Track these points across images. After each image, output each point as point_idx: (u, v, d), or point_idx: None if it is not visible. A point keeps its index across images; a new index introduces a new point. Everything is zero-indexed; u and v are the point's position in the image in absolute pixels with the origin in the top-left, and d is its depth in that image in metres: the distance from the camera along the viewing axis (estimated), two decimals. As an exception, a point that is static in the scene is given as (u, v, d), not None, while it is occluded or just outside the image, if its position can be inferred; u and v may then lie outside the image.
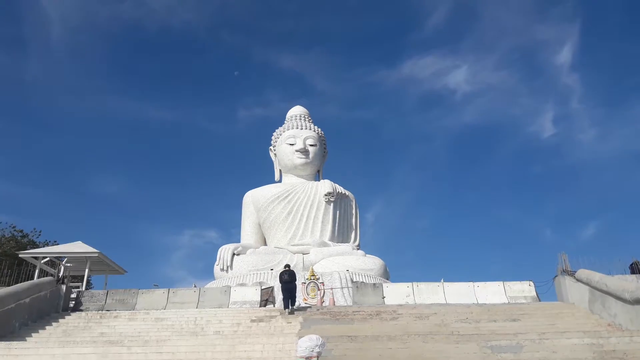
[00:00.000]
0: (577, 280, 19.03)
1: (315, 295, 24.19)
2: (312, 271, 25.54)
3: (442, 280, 29.01)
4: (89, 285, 37.34)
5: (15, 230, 36.70)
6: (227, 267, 30.01)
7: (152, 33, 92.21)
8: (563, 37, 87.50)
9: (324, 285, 24.64)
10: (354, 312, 18.66)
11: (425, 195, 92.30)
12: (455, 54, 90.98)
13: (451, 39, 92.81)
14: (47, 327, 17.48)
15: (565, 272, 19.76)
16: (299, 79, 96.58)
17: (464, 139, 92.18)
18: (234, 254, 30.51)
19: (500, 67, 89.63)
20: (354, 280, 27.55)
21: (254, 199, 34.47)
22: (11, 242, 34.27)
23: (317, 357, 13.33)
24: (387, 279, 30.68)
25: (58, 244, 28.67)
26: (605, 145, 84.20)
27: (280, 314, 18.52)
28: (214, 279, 30.63)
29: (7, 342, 14.58)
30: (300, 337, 15.18)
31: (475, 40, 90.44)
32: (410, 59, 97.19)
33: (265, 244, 33.85)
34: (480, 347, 14.32)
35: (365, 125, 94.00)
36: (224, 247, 31.27)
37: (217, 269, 30.45)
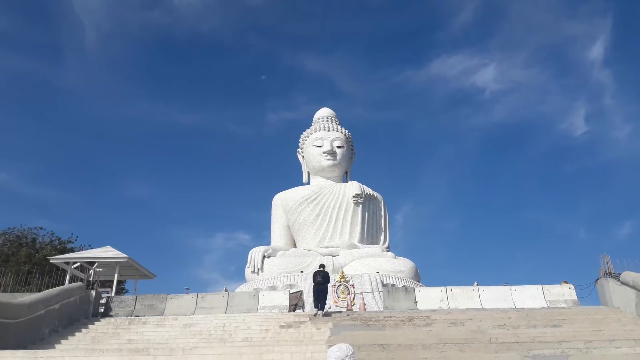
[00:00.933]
0: (622, 283, 17.57)
1: (345, 298, 23.44)
2: (342, 273, 24.77)
3: (475, 283, 27.68)
4: (122, 290, 37.34)
5: (53, 236, 37.09)
6: (258, 269, 29.50)
7: (181, 39, 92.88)
8: (594, 32, 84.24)
9: (354, 287, 23.81)
10: (385, 317, 17.61)
11: (454, 196, 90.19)
12: (483, 53, 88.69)
13: (478, 37, 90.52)
14: (76, 334, 16.99)
15: (609, 274, 18.29)
16: (326, 81, 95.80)
17: (493, 138, 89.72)
18: (264, 257, 29.93)
19: (529, 65, 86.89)
20: (385, 282, 26.54)
21: (283, 202, 33.78)
22: (48, 246, 34.41)
23: (348, 367, 12.39)
24: (418, 281, 29.55)
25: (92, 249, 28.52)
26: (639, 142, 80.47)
27: (310, 319, 17.61)
28: (245, 281, 30.15)
29: (34, 351, 14.06)
30: (330, 346, 14.26)
31: (503, 38, 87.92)
32: (437, 58, 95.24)
33: (294, 246, 33.12)
34: (521, 356, 13.12)
35: (392, 126, 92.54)
36: (254, 249, 30.73)
37: (248, 271, 29.99)
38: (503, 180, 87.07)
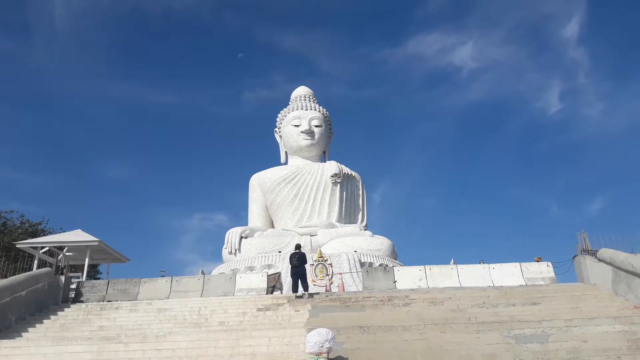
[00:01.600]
0: (599, 260, 17.35)
1: (323, 277, 23.06)
2: (320, 253, 24.28)
3: (452, 261, 27.44)
4: (97, 275, 36.16)
5: (24, 219, 35.44)
6: (235, 250, 28.88)
7: (155, 16, 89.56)
8: (570, 9, 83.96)
9: (332, 266, 23.41)
10: (364, 297, 17.10)
11: (431, 174, 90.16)
12: (460, 30, 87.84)
13: (456, 14, 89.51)
14: (44, 321, 16.07)
15: (586, 251, 18.05)
16: (304, 59, 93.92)
17: (470, 117, 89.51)
18: (241, 237, 29.27)
19: (507, 43, 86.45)
20: (362, 261, 26.19)
21: (260, 182, 32.95)
22: (19, 230, 32.90)
23: (328, 352, 11.75)
24: (395, 259, 29.28)
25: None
26: (612, 120, 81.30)
27: (288, 301, 17.00)
28: (222, 262, 29.40)
29: (-3, 341, 13.15)
30: (309, 330, 13.66)
31: (480, 15, 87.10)
32: (415, 36, 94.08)
33: (272, 226, 32.45)
34: (503, 336, 12.75)
35: (370, 104, 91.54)
36: (231, 230, 30.01)
37: (225, 252, 29.33)
38: (479, 158, 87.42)
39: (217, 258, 31.19)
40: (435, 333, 13.15)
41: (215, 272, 29.07)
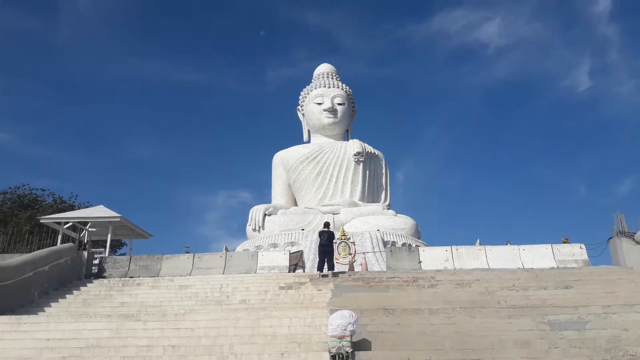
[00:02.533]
0: (637, 242, 16.12)
1: (346, 255, 22.51)
2: (343, 231, 23.66)
3: (478, 241, 26.36)
4: (121, 250, 36.08)
5: (56, 196, 35.42)
6: (259, 227, 28.53)
7: None
8: None
9: (355, 245, 22.76)
10: (388, 278, 16.28)
11: (456, 153, 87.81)
12: (487, 6, 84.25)
13: None
14: (67, 296, 15.73)
15: (622, 233, 16.83)
16: (326, 36, 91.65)
17: (496, 95, 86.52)
18: (265, 215, 28.81)
19: (534, 19, 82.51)
20: (385, 240, 25.43)
21: (283, 160, 32.21)
22: (51, 208, 32.90)
23: (351, 336, 10.94)
24: (419, 239, 28.40)
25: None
26: None
27: (310, 279, 16.29)
28: (247, 238, 29.00)
29: (18, 317, 12.79)
30: (331, 311, 12.92)
31: None
32: (440, 12, 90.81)
33: (295, 204, 31.79)
34: (536, 322, 11.78)
35: (394, 82, 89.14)
36: (255, 207, 29.53)
37: (249, 229, 28.96)
38: (505, 137, 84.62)
39: (242, 235, 30.81)
40: (464, 317, 12.27)
41: (239, 248, 28.77)
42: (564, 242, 22.52)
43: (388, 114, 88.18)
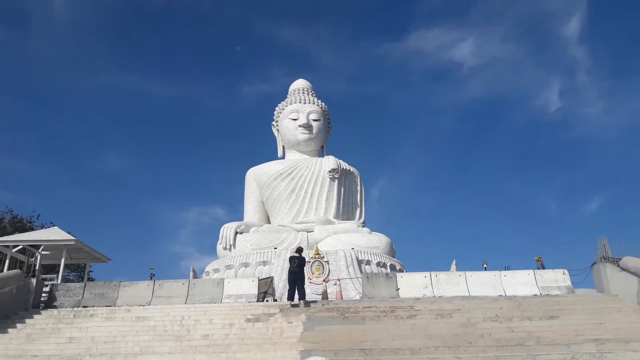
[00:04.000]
0: (623, 269, 14.96)
1: (320, 274, 21.03)
2: (317, 249, 22.26)
3: (454, 263, 25.09)
4: (83, 275, 33.31)
5: (11, 213, 32.26)
6: (230, 245, 26.54)
7: (155, 6, 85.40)
8: (571, 8, 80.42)
9: (328, 264, 21.25)
10: (364, 307, 14.70)
11: (431, 170, 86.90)
12: (461, 26, 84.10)
13: (457, 10, 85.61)
14: (9, 330, 13.66)
15: (606, 259, 15.66)
16: (303, 53, 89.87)
17: (470, 113, 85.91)
18: (236, 233, 26.91)
19: (507, 40, 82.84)
20: (360, 258, 24.05)
21: (257, 176, 30.43)
22: (8, 227, 29.89)
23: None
24: (394, 257, 27.02)
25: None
26: (612, 118, 78.13)
27: (281, 310, 14.58)
28: (217, 257, 27.05)
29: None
30: (302, 352, 11.27)
31: (481, 12, 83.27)
32: (416, 31, 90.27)
33: (268, 221, 29.99)
34: (527, 364, 10.33)
35: (370, 99, 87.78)
36: (226, 225, 27.62)
37: (219, 247, 26.98)
38: (479, 154, 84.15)
39: (214, 252, 28.82)
40: (448, 358, 10.75)
41: (209, 268, 26.87)
42: (537, 261, 21.51)
43: (363, 130, 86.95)
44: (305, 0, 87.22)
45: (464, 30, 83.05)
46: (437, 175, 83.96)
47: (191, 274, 24.72)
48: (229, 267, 25.10)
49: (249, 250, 25.48)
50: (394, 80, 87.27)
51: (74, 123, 78.81)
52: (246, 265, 24.78)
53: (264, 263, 24.50)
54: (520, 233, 73.05)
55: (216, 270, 25.55)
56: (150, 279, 17.77)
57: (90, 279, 27.65)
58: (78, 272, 31.05)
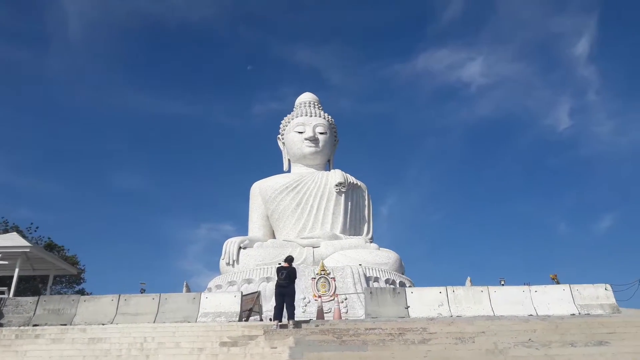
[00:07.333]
0: (685, 284, 11.18)
1: (326, 291, 18.05)
2: (323, 265, 19.54)
3: (469, 279, 21.35)
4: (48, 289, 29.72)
5: (6, 225, 28.00)
6: (233, 261, 23.49)
7: (171, 28, 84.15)
8: (581, 28, 76.91)
9: (335, 280, 18.30)
10: (367, 329, 11.12)
11: (439, 189, 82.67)
12: (470, 47, 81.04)
13: (466, 31, 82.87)
14: None
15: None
16: (314, 72, 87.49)
17: (478, 132, 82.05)
18: (240, 248, 23.82)
19: (516, 60, 79.29)
20: (368, 275, 20.70)
21: (262, 190, 27.30)
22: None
23: None
24: (403, 274, 23.42)
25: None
26: (622, 138, 73.63)
27: (265, 332, 11.08)
28: (220, 273, 23.91)
29: None
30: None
31: (491, 33, 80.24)
32: (425, 51, 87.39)
33: (273, 236, 26.70)
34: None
35: (379, 118, 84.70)
36: (229, 240, 24.52)
37: (222, 263, 23.89)
38: (487, 174, 79.90)
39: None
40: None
41: (211, 284, 23.79)
42: (553, 279, 18.28)
43: (372, 149, 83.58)
44: (317, 22, 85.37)
45: (473, 50, 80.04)
46: (445, 194, 79.69)
47: (184, 289, 21.40)
48: (231, 283, 22.02)
49: (252, 266, 22.38)
50: (403, 99, 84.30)
51: (87, 141, 76.46)
52: (249, 281, 21.64)
53: (268, 279, 21.29)
54: (530, 251, 68.13)
55: (218, 287, 22.48)
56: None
57: (83, 293, 24.32)
58: (71, 286, 27.69)
